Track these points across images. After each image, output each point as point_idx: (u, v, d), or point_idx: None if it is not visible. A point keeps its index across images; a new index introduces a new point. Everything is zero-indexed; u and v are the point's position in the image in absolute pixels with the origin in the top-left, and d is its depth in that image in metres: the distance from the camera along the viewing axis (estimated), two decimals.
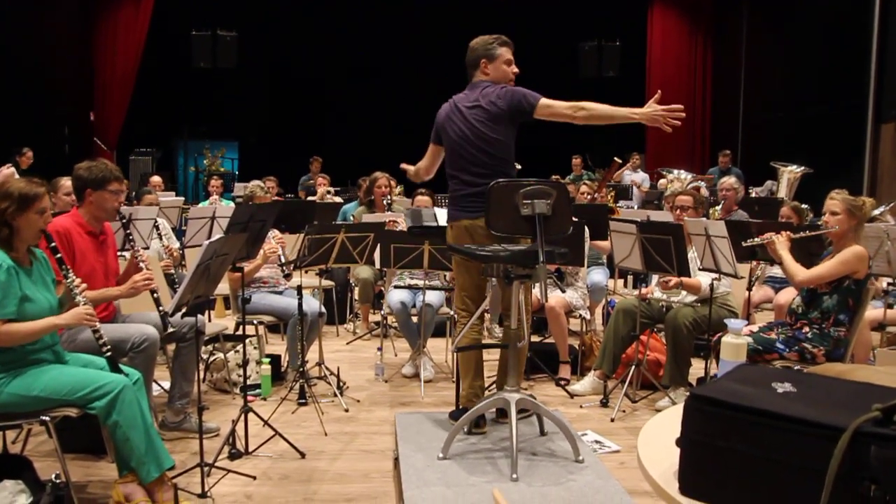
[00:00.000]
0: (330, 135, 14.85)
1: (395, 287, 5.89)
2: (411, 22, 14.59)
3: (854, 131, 11.14)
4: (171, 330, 3.89)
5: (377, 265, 5.74)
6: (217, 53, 14.34)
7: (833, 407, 1.46)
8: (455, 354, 4.25)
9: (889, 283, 5.24)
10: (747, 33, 14.62)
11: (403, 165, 4.45)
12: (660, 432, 1.82)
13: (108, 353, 3.34)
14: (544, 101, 3.81)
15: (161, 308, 3.85)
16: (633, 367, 5.02)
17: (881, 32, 10.73)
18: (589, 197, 8.04)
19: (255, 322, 5.34)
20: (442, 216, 4.94)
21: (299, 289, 4.89)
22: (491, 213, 3.44)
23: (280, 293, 5.49)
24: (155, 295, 3.84)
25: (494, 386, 4.39)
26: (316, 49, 14.88)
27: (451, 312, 5.55)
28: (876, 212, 7.80)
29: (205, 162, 14.76)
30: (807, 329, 4.28)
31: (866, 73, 10.91)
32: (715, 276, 4.72)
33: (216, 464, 3.79)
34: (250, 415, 4.13)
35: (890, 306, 5.30)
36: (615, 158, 8.75)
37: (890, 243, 5.03)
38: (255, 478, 3.78)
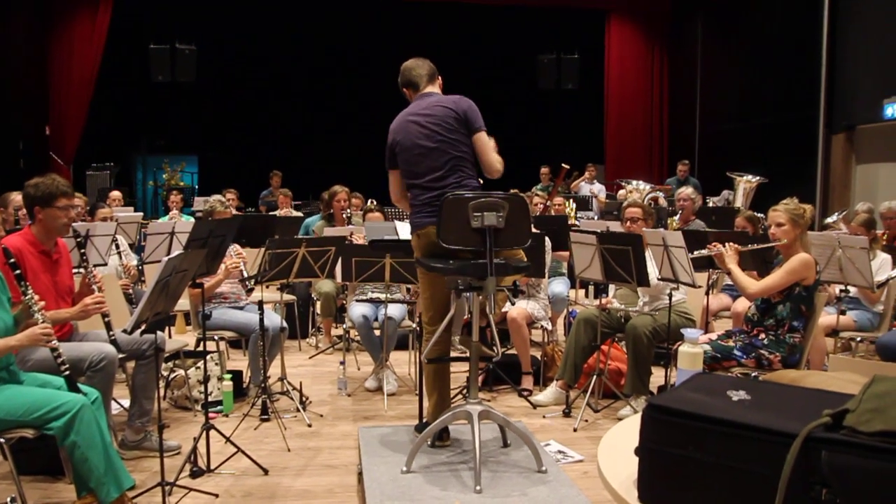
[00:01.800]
0: (291, 149, 14.78)
1: (357, 301, 5.88)
2: (369, 38, 14.62)
3: (807, 142, 11.39)
4: (121, 355, 3.84)
5: (339, 279, 5.73)
6: (176, 67, 14.22)
7: (786, 414, 1.49)
8: (419, 368, 4.25)
9: (841, 290, 5.37)
10: (702, 46, 14.89)
11: None
12: (620, 441, 1.85)
13: (67, 372, 3.30)
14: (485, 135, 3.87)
15: (111, 333, 3.81)
16: (595, 377, 5.07)
17: (830, 46, 11.01)
18: (541, 207, 8.10)
19: (216, 338, 5.30)
20: (402, 229, 4.94)
21: (260, 304, 4.87)
22: (442, 226, 3.45)
23: (241, 308, 5.45)
24: (106, 319, 3.80)
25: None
26: (275, 63, 14.82)
27: (414, 325, 5.56)
28: (829, 220, 7.98)
29: (164, 176, 14.61)
30: (763, 336, 4.36)
31: (817, 85, 11.17)
32: (673, 285, 4.79)
33: (177, 482, 3.74)
34: (212, 432, 4.10)
35: (843, 312, 5.42)
36: (563, 165, 8.84)
37: (841, 251, 5.15)
38: (217, 496, 3.74)
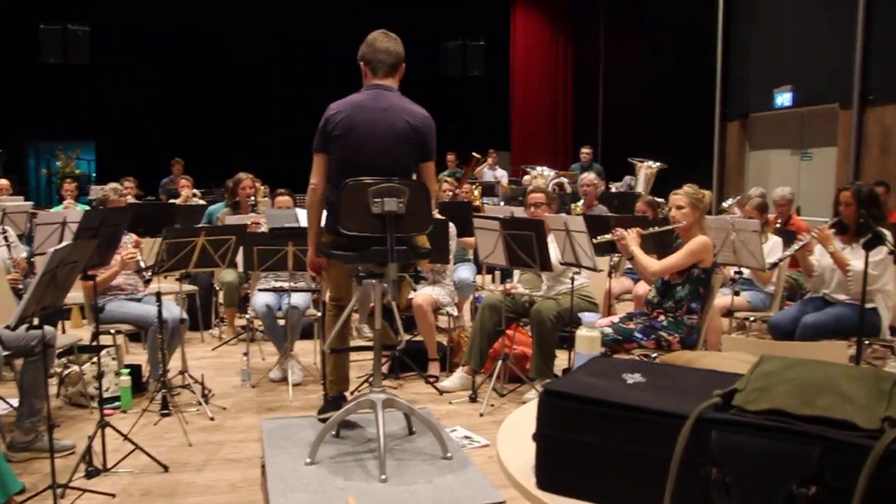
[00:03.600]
0: (193, 135, 14.35)
1: (261, 290, 5.76)
2: (272, 21, 14.34)
3: (703, 129, 11.77)
4: (6, 352, 3.66)
5: (240, 268, 5.60)
6: (68, 48, 13.60)
7: (679, 395, 1.52)
8: (323, 357, 4.20)
9: (735, 272, 5.55)
10: (605, 35, 15.18)
11: None
12: (519, 427, 1.84)
13: None
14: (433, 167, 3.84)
15: None
16: (500, 362, 5.11)
17: (725, 39, 11.41)
18: (451, 194, 8.12)
19: (112, 331, 5.11)
20: (303, 217, 4.86)
21: (158, 295, 4.72)
22: (342, 213, 3.39)
23: (139, 300, 5.26)
24: None
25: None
26: (175, 45, 14.36)
27: (318, 314, 5.49)
28: (724, 204, 8.25)
29: (58, 164, 14.02)
30: (662, 318, 4.47)
31: (713, 76, 11.56)
32: (576, 269, 4.86)
33: (71, 484, 3.58)
34: (109, 429, 3.94)
35: (737, 293, 5.61)
36: (473, 154, 8.89)
37: (735, 234, 5.32)
38: (114, 496, 3.61)
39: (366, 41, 3.76)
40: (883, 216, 5.05)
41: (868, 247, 4.25)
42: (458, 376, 5.30)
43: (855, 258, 4.86)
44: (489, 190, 11.61)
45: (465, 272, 6.57)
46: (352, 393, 4.75)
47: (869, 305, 4.75)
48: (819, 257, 5.19)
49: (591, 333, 2.12)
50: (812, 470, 1.27)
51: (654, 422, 1.44)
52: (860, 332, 4.42)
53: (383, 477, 3.26)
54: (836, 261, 4.92)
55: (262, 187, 9.03)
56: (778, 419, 1.34)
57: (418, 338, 5.71)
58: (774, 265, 5.48)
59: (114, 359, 5.12)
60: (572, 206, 8.59)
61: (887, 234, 4.59)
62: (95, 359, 4.80)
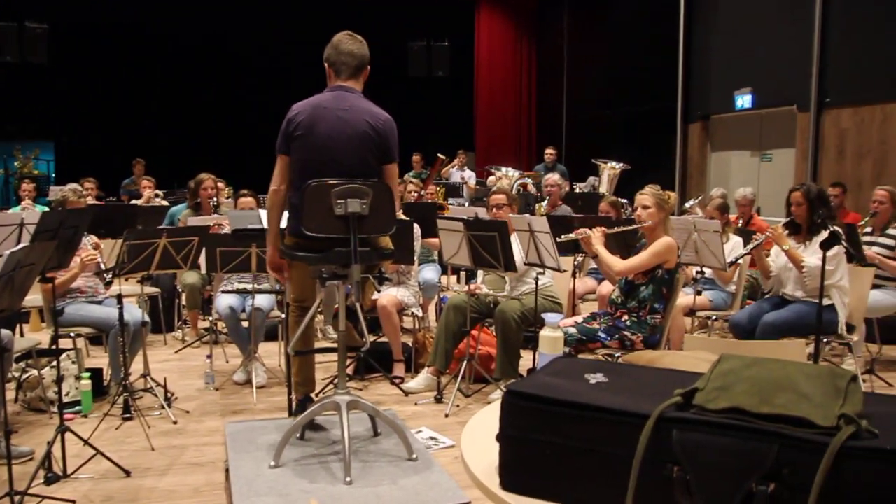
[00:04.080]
0: (155, 135, 14.14)
1: (224, 292, 5.71)
2: (236, 22, 14.22)
3: (666, 130, 11.91)
4: None
5: (203, 270, 5.55)
6: (24, 47, 13.34)
7: (641, 395, 1.53)
8: (287, 359, 4.18)
9: (697, 272, 5.62)
10: (568, 37, 15.29)
11: None
12: (483, 428, 1.85)
13: None
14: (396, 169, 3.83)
15: None
16: (466, 362, 5.12)
17: (686, 41, 11.56)
18: (416, 195, 8.12)
19: (72, 335, 5.03)
20: (266, 218, 4.82)
21: (119, 298, 4.65)
22: (305, 214, 3.37)
23: (99, 303, 5.19)
24: None
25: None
26: (136, 43, 14.13)
27: (283, 315, 5.46)
28: (686, 205, 8.34)
29: (16, 164, 13.74)
30: (626, 318, 4.51)
31: (675, 78, 11.69)
32: (540, 269, 4.88)
33: (29, 491, 3.51)
34: (69, 434, 3.88)
35: (699, 293, 5.68)
36: (439, 155, 8.90)
37: (697, 234, 5.38)
38: (74, 502, 3.55)
39: (331, 43, 3.74)
40: (832, 215, 5.17)
41: (825, 246, 4.32)
42: (424, 377, 5.30)
43: (809, 256, 4.95)
44: (455, 191, 11.63)
45: (429, 273, 6.58)
46: (317, 395, 4.73)
47: (826, 302, 4.84)
48: (775, 257, 5.27)
49: (554, 334, 2.13)
50: (770, 467, 1.29)
51: (616, 421, 1.45)
52: (818, 330, 4.49)
53: (348, 479, 3.25)
54: (790, 258, 5.01)
55: (227, 188, 8.97)
56: (737, 417, 1.36)
57: (383, 339, 5.70)
58: (732, 264, 5.55)
59: (74, 362, 5.04)
60: (536, 206, 8.63)
61: (841, 232, 4.69)
62: (55, 363, 4.73)
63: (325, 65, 3.77)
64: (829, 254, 4.66)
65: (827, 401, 1.37)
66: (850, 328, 5.10)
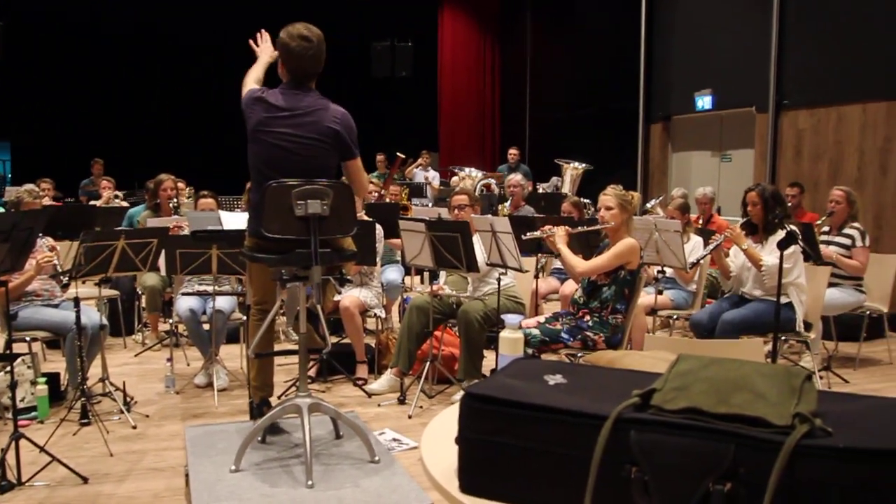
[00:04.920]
0: (114, 135, 13.93)
1: (184, 294, 5.64)
2: (196, 17, 14.05)
3: (628, 131, 12.00)
4: None
5: (163, 272, 5.48)
6: None
7: (599, 396, 1.53)
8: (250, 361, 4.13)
9: (658, 271, 5.67)
10: (531, 38, 15.35)
11: None
12: (443, 430, 1.83)
13: None
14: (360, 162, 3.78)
15: None
16: (429, 363, 5.11)
17: (648, 43, 11.66)
18: (376, 195, 8.09)
19: (27, 339, 4.93)
20: (227, 220, 4.77)
21: (76, 300, 4.57)
22: (266, 215, 3.34)
23: (56, 306, 5.09)
24: None
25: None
26: (94, 41, 13.93)
27: (244, 318, 5.40)
28: (648, 205, 8.42)
29: None
30: (588, 318, 4.53)
31: (636, 78, 11.80)
32: (502, 270, 4.89)
33: None
34: (23, 441, 3.81)
35: (660, 292, 5.73)
36: (398, 154, 8.89)
37: (658, 234, 5.43)
38: None
39: (288, 46, 3.65)
40: (787, 214, 5.25)
41: (782, 246, 4.39)
42: (387, 378, 5.28)
43: (766, 254, 5.02)
44: (418, 191, 11.61)
45: (392, 274, 6.56)
46: (279, 397, 4.70)
47: (784, 300, 4.92)
48: (734, 257, 5.34)
49: (513, 335, 2.12)
50: (727, 467, 1.30)
51: (574, 423, 1.44)
52: (776, 329, 4.55)
53: (310, 482, 3.23)
54: (749, 258, 5.07)
55: (187, 189, 8.87)
56: (694, 418, 1.37)
57: (346, 340, 5.67)
58: (693, 265, 5.61)
59: (29, 367, 4.94)
60: (499, 207, 8.65)
61: (797, 231, 4.77)
62: (9, 368, 4.63)
63: (278, 57, 3.72)
64: (786, 253, 4.73)
65: (782, 400, 1.38)
66: (808, 326, 5.18)
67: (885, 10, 7.86)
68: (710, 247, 5.23)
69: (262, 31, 3.93)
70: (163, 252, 5.10)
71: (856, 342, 6.15)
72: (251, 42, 3.92)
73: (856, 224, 5.88)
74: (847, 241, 5.83)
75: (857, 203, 5.99)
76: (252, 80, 3.79)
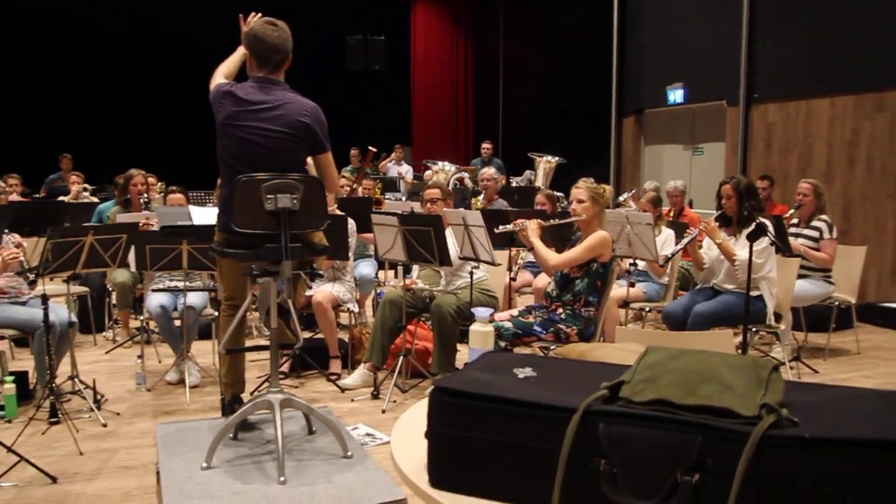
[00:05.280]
0: (83, 129, 13.72)
1: (155, 290, 5.59)
2: (166, 8, 13.88)
3: (600, 124, 12.06)
4: None
5: (133, 268, 5.42)
6: None
7: (568, 388, 1.53)
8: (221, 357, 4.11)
9: (631, 264, 5.70)
10: (504, 32, 15.36)
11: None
12: (414, 424, 1.83)
13: None
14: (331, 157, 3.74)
15: None
16: (402, 357, 5.10)
17: (620, 37, 11.71)
18: (348, 189, 8.06)
19: None
20: (196, 214, 4.73)
21: (44, 298, 4.51)
22: (235, 210, 3.30)
23: (24, 304, 5.02)
24: None
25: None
26: (62, 32, 13.70)
27: (216, 313, 5.37)
28: (620, 198, 8.46)
29: None
30: (560, 311, 4.55)
31: (609, 73, 11.85)
32: (475, 263, 4.89)
33: None
34: None
35: (632, 285, 5.76)
36: (369, 148, 8.87)
37: (630, 227, 5.46)
38: None
39: (253, 32, 3.65)
40: (761, 207, 5.29)
41: (752, 238, 4.43)
42: (360, 373, 5.27)
43: (740, 248, 5.06)
44: (392, 185, 11.58)
45: (366, 268, 6.54)
46: (252, 393, 4.67)
47: (755, 293, 4.96)
48: (707, 249, 5.38)
49: (484, 328, 2.12)
50: (695, 458, 1.30)
51: (543, 416, 1.44)
52: (746, 320, 4.60)
53: (282, 479, 3.20)
54: (723, 251, 5.11)
55: (159, 184, 8.78)
56: (662, 409, 1.37)
57: (319, 335, 5.64)
58: (667, 260, 5.65)
59: None
60: (473, 200, 8.65)
61: (768, 224, 4.81)
62: None
63: (246, 51, 3.69)
64: (759, 247, 4.79)
65: (749, 391, 1.39)
66: (778, 317, 5.23)
67: (853, 5, 7.95)
68: (685, 241, 5.26)
69: (255, 12, 3.87)
70: (132, 248, 5.04)
71: (825, 333, 6.23)
72: (241, 18, 3.85)
73: (823, 216, 5.94)
74: (815, 234, 5.89)
75: (824, 196, 6.05)
76: (221, 75, 3.75)
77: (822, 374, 5.72)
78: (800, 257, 5.70)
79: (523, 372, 1.65)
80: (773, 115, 9.01)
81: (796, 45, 8.64)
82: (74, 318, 4.98)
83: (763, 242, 4.86)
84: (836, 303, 6.06)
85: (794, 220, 6.13)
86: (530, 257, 6.54)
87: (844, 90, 8.03)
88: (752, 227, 4.58)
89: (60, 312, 4.87)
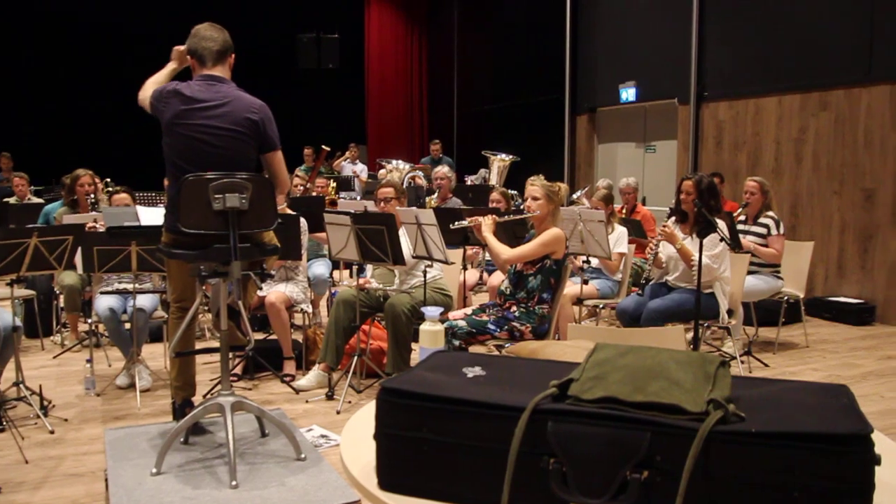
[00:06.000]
0: (25, 127, 13.37)
1: (103, 293, 5.47)
2: (116, 8, 13.64)
3: (554, 122, 12.13)
4: None
5: (80, 270, 5.30)
6: None
7: (518, 387, 1.52)
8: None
9: (584, 261, 5.73)
10: (458, 30, 15.37)
11: None
12: (363, 426, 1.81)
13: None
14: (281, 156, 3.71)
15: None
16: (357, 357, 5.06)
17: (573, 35, 11.80)
18: (302, 188, 8.00)
19: None
20: (145, 215, 4.64)
21: None
22: (182, 210, 3.25)
23: None
24: None
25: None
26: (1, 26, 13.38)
27: (167, 315, 5.28)
28: (574, 196, 8.52)
29: None
30: (514, 308, 4.55)
31: (562, 71, 11.92)
32: (428, 262, 4.88)
33: None
34: None
35: (586, 282, 5.79)
36: (323, 146, 8.81)
37: (583, 224, 5.48)
38: None
39: (191, 34, 3.65)
40: (720, 207, 5.33)
41: (701, 235, 4.47)
42: (315, 374, 5.22)
43: (695, 248, 5.11)
44: (346, 184, 11.52)
45: (319, 268, 6.48)
46: (203, 396, 4.60)
47: (707, 291, 5.03)
48: (663, 247, 5.42)
49: (434, 328, 2.11)
50: (644, 455, 1.31)
51: (492, 416, 1.43)
52: (697, 316, 4.65)
53: (234, 483, 3.16)
54: (681, 255, 5.12)
55: (104, 183, 8.60)
56: (611, 407, 1.37)
57: (273, 336, 5.58)
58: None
59: None
60: (427, 199, 8.63)
61: (721, 223, 4.87)
62: None
63: (189, 57, 3.66)
64: (716, 251, 4.86)
65: (697, 387, 1.39)
66: (730, 312, 5.30)
67: (799, 7, 8.10)
68: (650, 257, 5.21)
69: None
70: (79, 250, 4.93)
71: (775, 327, 6.34)
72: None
73: (770, 213, 6.04)
74: (763, 231, 5.98)
75: (770, 193, 6.15)
76: (152, 86, 3.70)
77: (772, 368, 5.81)
78: (749, 254, 5.79)
79: (472, 371, 1.64)
80: (723, 113, 9.15)
81: (745, 44, 8.78)
82: (19, 323, 4.85)
83: (718, 246, 4.93)
84: (786, 297, 6.17)
85: (742, 217, 6.22)
86: (488, 256, 6.55)
87: (791, 89, 8.19)
88: (703, 224, 4.62)
89: (4, 316, 4.73)
